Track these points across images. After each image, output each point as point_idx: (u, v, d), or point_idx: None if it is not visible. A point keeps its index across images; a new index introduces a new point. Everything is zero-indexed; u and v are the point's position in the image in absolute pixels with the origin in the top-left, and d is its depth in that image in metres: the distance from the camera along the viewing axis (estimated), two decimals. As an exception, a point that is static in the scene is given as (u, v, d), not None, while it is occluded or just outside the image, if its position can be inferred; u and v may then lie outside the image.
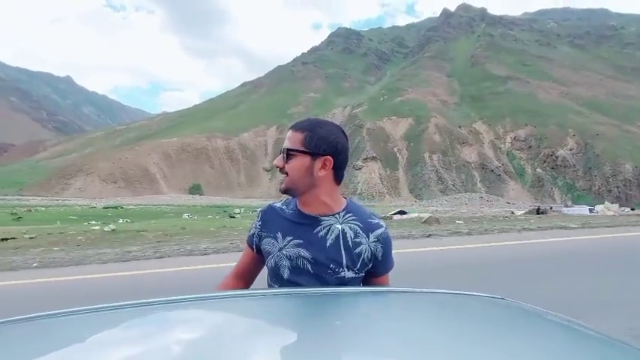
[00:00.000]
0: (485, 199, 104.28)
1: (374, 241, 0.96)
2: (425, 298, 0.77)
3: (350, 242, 0.95)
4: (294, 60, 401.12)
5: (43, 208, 63.32)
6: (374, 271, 0.99)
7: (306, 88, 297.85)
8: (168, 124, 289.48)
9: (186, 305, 0.66)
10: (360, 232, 0.96)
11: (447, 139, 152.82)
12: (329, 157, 0.94)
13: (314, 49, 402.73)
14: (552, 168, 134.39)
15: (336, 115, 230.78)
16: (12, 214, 56.00)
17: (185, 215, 55.13)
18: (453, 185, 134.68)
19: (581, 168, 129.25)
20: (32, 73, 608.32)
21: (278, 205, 1.06)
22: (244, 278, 1.08)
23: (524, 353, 0.48)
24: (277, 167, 0.98)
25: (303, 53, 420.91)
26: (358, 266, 0.95)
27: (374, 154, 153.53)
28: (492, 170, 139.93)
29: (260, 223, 1.04)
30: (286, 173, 0.96)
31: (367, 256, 0.96)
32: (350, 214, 0.97)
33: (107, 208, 63.13)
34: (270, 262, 0.99)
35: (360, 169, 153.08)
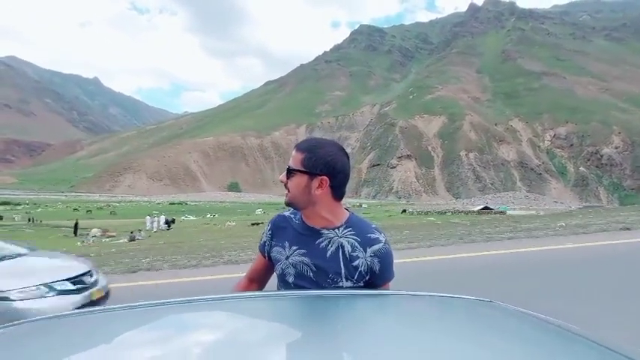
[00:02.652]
0: (532, 198, 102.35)
1: (371, 256, 1.01)
2: (414, 301, 0.80)
3: (348, 255, 1.01)
4: (317, 59, 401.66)
5: (117, 204, 66.60)
6: (372, 282, 1.05)
7: (331, 87, 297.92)
8: (196, 123, 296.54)
9: (197, 306, 0.70)
10: (358, 246, 1.02)
11: (483, 137, 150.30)
12: (325, 177, 0.99)
13: (336, 48, 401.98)
14: (597, 167, 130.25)
15: (365, 114, 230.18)
16: (98, 209, 59.06)
17: (258, 211, 57.17)
18: (492, 184, 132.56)
19: (628, 167, 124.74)
20: (63, 75, 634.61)
21: (287, 214, 1.13)
22: (257, 281, 1.18)
23: (508, 354, 0.49)
24: (282, 182, 1.03)
25: (325, 52, 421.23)
26: (355, 277, 1.02)
27: (408, 153, 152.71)
28: (532, 169, 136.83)
29: (270, 232, 1.11)
30: (288, 189, 1.03)
31: (364, 269, 1.01)
32: (349, 229, 1.03)
33: (173, 204, 65.96)
34: (278, 268, 1.07)
35: (394, 167, 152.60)
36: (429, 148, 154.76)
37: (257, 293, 0.95)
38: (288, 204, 1.04)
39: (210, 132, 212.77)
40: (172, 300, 0.69)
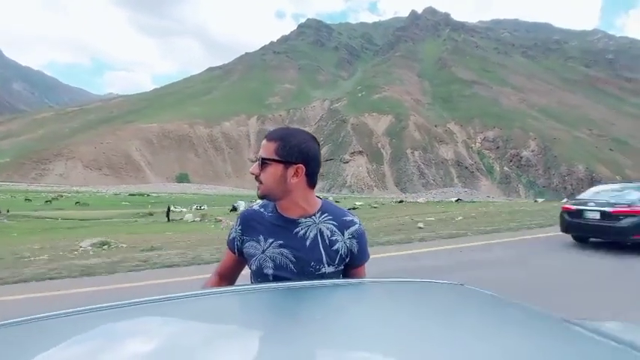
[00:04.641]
0: (470, 193, 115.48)
1: (349, 238, 1.04)
2: (390, 286, 0.84)
3: (327, 240, 1.02)
4: (264, 48, 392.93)
5: (69, 195, 58.40)
6: (351, 263, 1.07)
7: (280, 79, 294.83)
8: (129, 107, 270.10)
9: (169, 304, 0.68)
10: (336, 230, 1.03)
11: (426, 137, 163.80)
12: (301, 165, 1.00)
13: (284, 39, 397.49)
14: (517, 167, 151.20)
15: (316, 109, 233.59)
16: (51, 199, 51.39)
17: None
18: (434, 180, 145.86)
19: (541, 167, 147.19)
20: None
21: (256, 207, 1.11)
22: (227, 278, 1.15)
23: (478, 335, 0.52)
24: (253, 174, 1.03)
25: (272, 42, 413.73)
26: (337, 261, 1.03)
27: (360, 149, 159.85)
28: (467, 167, 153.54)
29: (240, 227, 1.09)
30: (261, 181, 1.02)
31: (344, 252, 1.03)
32: (325, 214, 1.04)
33: (134, 195, 60.57)
34: (254, 264, 1.05)
35: (347, 162, 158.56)
36: (379, 145, 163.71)
37: (233, 287, 0.92)
38: (263, 196, 1.02)
39: (150, 118, 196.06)
40: (145, 299, 0.67)
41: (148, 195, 67.17)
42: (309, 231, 1.02)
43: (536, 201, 42.26)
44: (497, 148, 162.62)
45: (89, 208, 44.15)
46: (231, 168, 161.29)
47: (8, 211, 41.72)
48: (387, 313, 0.64)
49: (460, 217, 13.44)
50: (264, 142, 1.02)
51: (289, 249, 1.01)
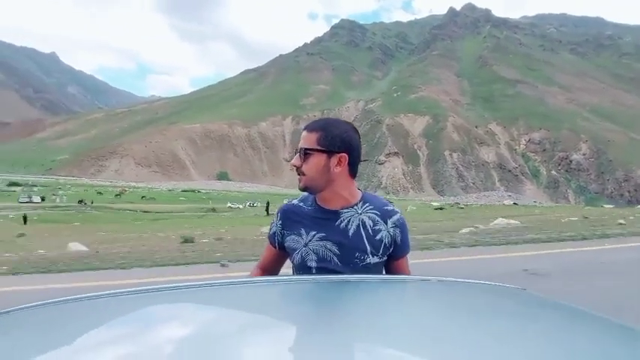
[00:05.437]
0: (513, 198, 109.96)
1: (392, 227, 1.02)
2: (443, 286, 0.78)
3: (370, 230, 1.00)
4: (297, 50, 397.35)
5: (131, 190, 63.12)
6: (394, 254, 1.05)
7: (314, 80, 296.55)
8: (172, 108, 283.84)
9: (207, 290, 0.70)
10: (379, 219, 1.01)
11: (465, 139, 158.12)
12: (344, 154, 0.98)
13: (317, 40, 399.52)
14: (566, 171, 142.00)
15: (350, 109, 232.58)
16: (120, 193, 56.37)
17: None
18: (473, 183, 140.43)
19: (593, 172, 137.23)
20: (16, 47, 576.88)
21: (295, 202, 1.10)
22: (269, 272, 1.16)
23: (539, 343, 0.47)
24: (294, 167, 1.00)
25: (305, 44, 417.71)
26: (381, 252, 1.01)
27: (396, 150, 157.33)
28: (510, 170, 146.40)
29: (280, 222, 1.08)
30: (303, 173, 0.99)
31: (388, 242, 1.02)
32: (367, 205, 1.02)
33: (185, 191, 64.09)
34: (297, 257, 1.04)
35: (382, 163, 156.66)
36: (415, 146, 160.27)
37: (275, 277, 0.93)
38: (305, 188, 1.01)
39: (192, 119, 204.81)
40: (193, 283, 0.70)
41: (199, 191, 70.31)
42: (351, 221, 1.00)
43: (602, 207, 39.37)
44: (544, 150, 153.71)
45: (155, 202, 46.88)
46: (267, 167, 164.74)
47: (92, 203, 45.66)
48: (431, 313, 0.60)
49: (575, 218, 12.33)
50: (304, 133, 1.01)
51: (332, 241, 1.00)
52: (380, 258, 1.01)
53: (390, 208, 1.03)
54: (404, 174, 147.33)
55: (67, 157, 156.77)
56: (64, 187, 69.35)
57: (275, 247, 1.10)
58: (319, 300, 0.67)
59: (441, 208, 34.25)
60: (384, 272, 1.07)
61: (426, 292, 0.75)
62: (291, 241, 1.04)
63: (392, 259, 1.05)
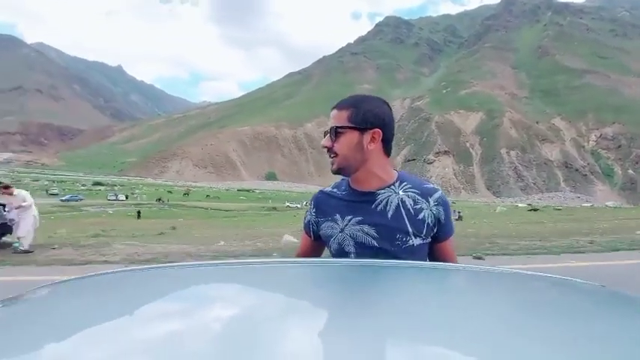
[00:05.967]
0: (584, 200, 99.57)
1: (435, 205, 0.93)
2: (505, 278, 0.71)
3: (411, 210, 0.92)
4: (341, 50, 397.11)
5: (194, 189, 68.45)
6: (438, 235, 0.96)
7: (359, 79, 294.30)
8: (223, 113, 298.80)
9: (239, 268, 0.72)
10: (420, 197, 0.93)
11: (524, 135, 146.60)
12: (377, 129, 0.90)
13: (361, 39, 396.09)
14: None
15: (396, 107, 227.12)
16: (187, 192, 61.89)
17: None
18: (534, 183, 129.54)
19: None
20: (88, 62, 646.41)
21: (328, 189, 1.03)
22: None
23: (616, 342, 0.43)
24: (325, 148, 0.94)
25: (349, 43, 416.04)
26: (424, 232, 0.93)
27: (446, 149, 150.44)
28: (577, 170, 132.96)
29: (314, 210, 1.02)
30: (335, 153, 0.92)
31: (431, 221, 0.93)
32: (405, 183, 0.95)
33: (241, 190, 67.30)
34: (334, 244, 0.97)
35: (431, 163, 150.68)
36: (467, 144, 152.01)
37: (312, 260, 0.88)
38: (338, 170, 0.95)
39: (241, 122, 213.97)
40: (230, 261, 0.73)
41: (253, 191, 72.79)
42: (389, 202, 0.93)
43: None
44: (619, 147, 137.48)
45: (220, 200, 49.33)
46: (313, 167, 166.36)
47: (168, 200, 49.30)
48: (488, 306, 0.53)
49: None
50: (334, 112, 0.94)
51: (370, 224, 0.93)
52: (423, 239, 0.94)
53: (429, 185, 0.97)
54: (455, 174, 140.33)
55: (134, 160, 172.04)
56: (137, 186, 76.35)
57: (310, 237, 1.06)
58: (355, 284, 0.64)
59: (534, 210, 29.90)
60: (427, 258, 1.00)
61: (486, 283, 0.68)
62: (326, 228, 0.99)
63: (436, 240, 0.98)
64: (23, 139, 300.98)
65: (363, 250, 0.93)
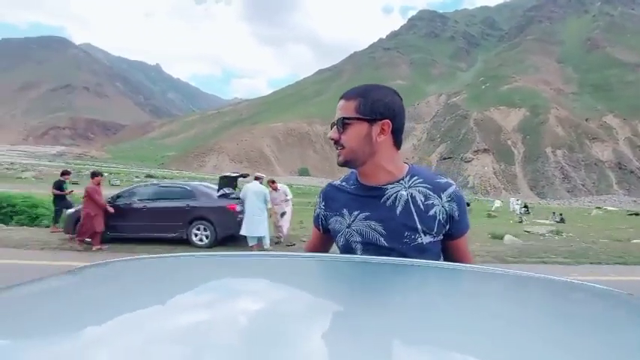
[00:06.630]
0: (639, 203, 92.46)
1: (448, 201, 0.88)
2: (521, 282, 0.66)
3: (422, 205, 0.87)
4: (372, 46, 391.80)
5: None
6: (451, 232, 0.91)
7: (391, 75, 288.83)
8: (254, 109, 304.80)
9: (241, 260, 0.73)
10: (431, 193, 0.88)
11: (572, 134, 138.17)
12: (387, 120, 0.86)
13: (394, 34, 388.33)
14: None
15: (431, 104, 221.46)
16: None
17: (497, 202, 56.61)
18: (583, 185, 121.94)
19: None
20: (130, 61, 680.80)
21: (337, 182, 1.00)
22: None
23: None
24: (332, 140, 0.89)
25: (381, 39, 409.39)
26: (435, 229, 0.88)
27: (485, 147, 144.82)
28: (632, 171, 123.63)
29: (323, 203, 1.00)
30: (342, 146, 0.88)
31: (443, 217, 0.88)
32: (415, 177, 0.90)
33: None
34: (341, 239, 0.95)
35: (469, 161, 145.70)
36: (509, 142, 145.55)
37: (318, 254, 0.84)
38: (345, 162, 0.90)
39: (273, 118, 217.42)
40: (241, 253, 0.75)
41: (291, 186, 74.41)
42: (398, 197, 0.88)
43: None
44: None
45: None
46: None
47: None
48: (499, 311, 0.49)
49: None
50: (341, 102, 0.90)
51: (377, 220, 0.89)
52: (434, 237, 0.89)
53: (442, 180, 0.91)
54: (495, 173, 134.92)
55: (173, 154, 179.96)
56: (177, 178, 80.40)
57: (319, 230, 1.03)
58: (360, 281, 0.61)
59: (636, 214, 26.72)
60: (441, 255, 0.94)
61: (498, 286, 0.63)
62: (334, 222, 0.96)
63: (449, 238, 0.93)
64: (72, 134, 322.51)
65: (370, 246, 0.89)
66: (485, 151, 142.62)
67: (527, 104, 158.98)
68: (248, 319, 0.43)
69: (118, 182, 67.73)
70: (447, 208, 0.88)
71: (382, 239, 0.88)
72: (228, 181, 7.17)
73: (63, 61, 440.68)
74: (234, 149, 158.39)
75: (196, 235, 6.53)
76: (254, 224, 6.09)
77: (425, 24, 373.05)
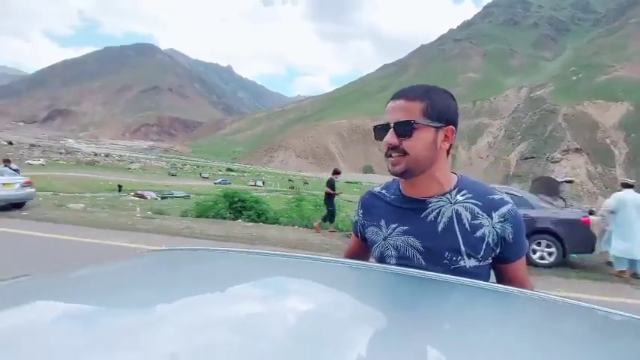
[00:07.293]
0: None
1: (500, 221, 0.76)
2: (574, 313, 0.58)
3: (467, 225, 0.76)
4: (442, 38, 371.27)
5: (308, 179, 74.81)
6: (503, 256, 0.80)
7: (462, 68, 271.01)
8: (318, 106, 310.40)
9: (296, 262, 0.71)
10: (479, 211, 0.77)
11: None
12: (451, 127, 0.78)
13: (467, 24, 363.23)
14: None
15: (510, 98, 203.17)
16: (305, 183, 69.19)
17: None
18: None
19: None
20: (206, 64, 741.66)
21: (377, 190, 0.90)
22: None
23: None
24: (391, 146, 0.76)
25: (451, 29, 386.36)
26: (482, 253, 0.76)
27: (577, 146, 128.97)
28: None
29: (361, 211, 0.91)
30: (404, 152, 0.76)
31: (492, 240, 0.77)
32: (464, 192, 0.78)
33: (349, 182, 70.80)
34: (376, 251, 0.87)
35: (557, 162, 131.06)
36: (608, 141, 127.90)
37: (352, 261, 0.76)
38: (404, 172, 0.77)
39: (336, 115, 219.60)
40: (280, 253, 0.73)
41: (361, 183, 74.54)
42: (442, 213, 0.78)
43: None
44: None
45: (339, 191, 52.34)
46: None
47: (300, 189, 54.17)
48: (542, 342, 0.43)
49: None
50: (401, 102, 0.77)
51: (416, 236, 0.79)
52: (480, 261, 0.78)
53: (496, 196, 0.78)
54: (589, 176, 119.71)
55: (243, 150, 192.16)
56: (255, 173, 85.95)
57: (357, 237, 0.96)
58: (394, 295, 0.58)
59: None
60: (490, 281, 0.82)
61: (553, 316, 0.56)
62: (370, 233, 0.88)
63: (500, 262, 0.82)
64: (159, 130, 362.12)
65: (406, 263, 0.80)
66: (577, 150, 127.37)
67: (631, 97, 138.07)
68: (283, 319, 0.43)
69: (207, 175, 74.94)
70: (499, 230, 0.77)
71: (420, 257, 0.79)
72: (550, 185, 6.36)
73: (152, 66, 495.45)
74: (300, 145, 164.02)
75: (535, 252, 5.52)
76: (635, 244, 5.04)
77: (502, 11, 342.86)
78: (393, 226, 0.82)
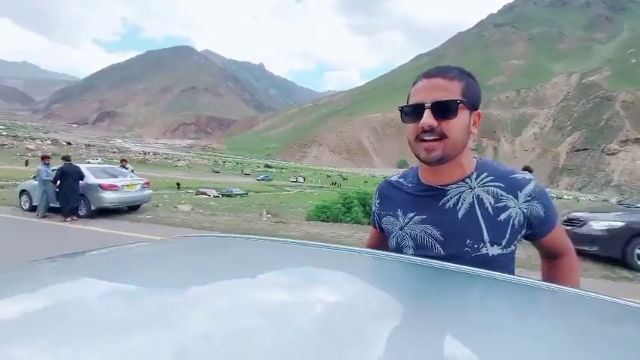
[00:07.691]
0: None
1: (526, 201, 0.72)
2: (601, 307, 0.54)
3: (490, 209, 0.72)
4: (481, 24, 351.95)
5: (345, 174, 75.42)
6: (538, 231, 0.75)
7: (504, 54, 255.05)
8: (350, 100, 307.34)
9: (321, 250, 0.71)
10: (504, 193, 0.72)
11: None
12: (479, 111, 0.74)
13: (509, 7, 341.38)
14: None
15: (559, 85, 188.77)
16: (344, 179, 69.45)
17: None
18: None
19: None
20: (239, 63, 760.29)
21: (394, 178, 0.88)
22: None
23: None
24: (429, 128, 0.69)
25: (491, 14, 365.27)
26: (506, 239, 0.72)
27: (637, 136, 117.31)
28: None
29: (378, 201, 0.89)
30: (442, 135, 0.69)
31: (518, 222, 0.72)
32: (485, 174, 0.74)
33: (385, 178, 70.47)
34: (392, 242, 0.83)
35: (614, 154, 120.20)
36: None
37: (377, 252, 0.74)
38: (442, 158, 0.71)
39: (367, 109, 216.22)
40: (296, 241, 0.76)
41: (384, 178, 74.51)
42: (462, 199, 0.73)
43: None
44: None
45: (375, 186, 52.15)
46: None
47: (335, 184, 53.85)
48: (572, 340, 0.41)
49: None
50: (438, 80, 0.70)
51: (434, 224, 0.75)
52: (504, 248, 0.73)
53: (519, 176, 0.74)
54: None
55: (277, 146, 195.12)
56: (293, 169, 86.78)
57: (376, 228, 0.93)
58: (409, 285, 0.57)
59: None
60: (513, 271, 0.77)
61: (571, 311, 0.52)
62: (387, 222, 0.85)
63: (538, 237, 0.77)
64: (196, 129, 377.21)
65: (424, 253, 0.76)
66: (636, 141, 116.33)
67: None
68: (307, 307, 0.44)
69: (249, 171, 76.69)
70: (526, 211, 0.73)
71: (438, 246, 0.75)
72: None
73: (189, 67, 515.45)
74: (334, 140, 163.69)
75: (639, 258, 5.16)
76: None
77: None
78: (410, 215, 0.79)
